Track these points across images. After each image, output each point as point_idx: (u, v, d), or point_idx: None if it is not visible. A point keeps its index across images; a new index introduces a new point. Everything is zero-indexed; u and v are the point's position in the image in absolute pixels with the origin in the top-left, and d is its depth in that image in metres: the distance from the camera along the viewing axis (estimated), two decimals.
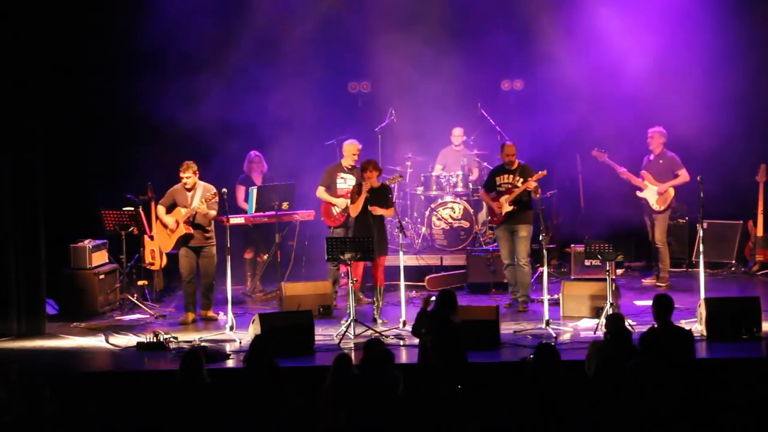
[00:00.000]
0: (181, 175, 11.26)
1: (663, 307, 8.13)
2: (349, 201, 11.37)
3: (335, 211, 11.94)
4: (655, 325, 8.18)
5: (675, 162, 12.57)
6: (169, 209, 11.35)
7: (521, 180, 11.41)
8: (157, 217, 11.80)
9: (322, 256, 10.72)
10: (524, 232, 11.50)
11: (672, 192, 12.55)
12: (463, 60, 14.11)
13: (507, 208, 11.46)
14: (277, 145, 13.46)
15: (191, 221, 11.24)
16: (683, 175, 12.50)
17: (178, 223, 11.23)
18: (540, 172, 11.37)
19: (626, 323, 8.92)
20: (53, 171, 11.62)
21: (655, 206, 12.56)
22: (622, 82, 13.55)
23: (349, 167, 12.02)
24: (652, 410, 7.56)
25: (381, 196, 11.02)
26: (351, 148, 12.05)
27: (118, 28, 13.12)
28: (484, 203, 13.56)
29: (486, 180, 11.99)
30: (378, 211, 10.96)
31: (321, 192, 12.01)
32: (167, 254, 12.25)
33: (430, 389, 7.93)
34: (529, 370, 7.63)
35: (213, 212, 11.22)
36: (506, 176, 11.58)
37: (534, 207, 11.30)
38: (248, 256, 12.87)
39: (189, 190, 11.29)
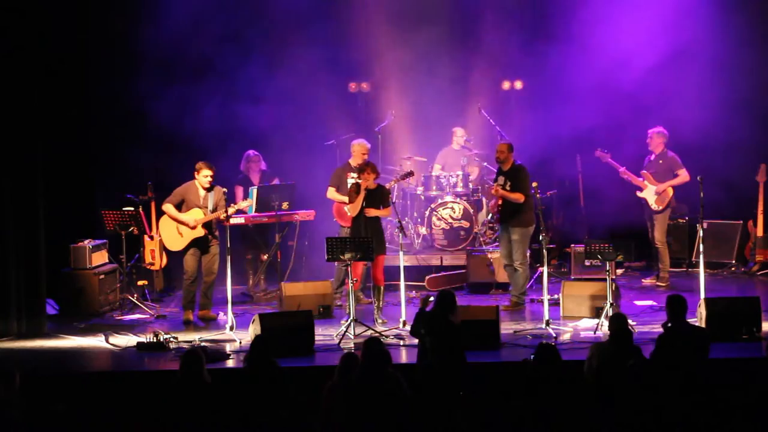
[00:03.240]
0: (205, 172, 11.16)
1: (676, 306, 8.16)
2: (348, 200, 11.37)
3: (348, 210, 11.93)
4: (670, 325, 8.21)
5: (675, 162, 12.58)
6: (176, 208, 11.29)
7: (510, 184, 11.43)
8: (158, 217, 11.81)
9: (323, 256, 10.72)
10: (516, 235, 11.50)
11: (670, 192, 12.56)
12: (463, 60, 14.13)
13: (493, 209, 11.53)
14: (277, 146, 13.47)
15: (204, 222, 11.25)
16: (683, 175, 12.50)
17: (197, 224, 11.21)
18: (496, 186, 11.45)
19: (628, 324, 8.93)
20: (53, 171, 11.62)
21: (654, 206, 12.57)
22: (623, 82, 13.55)
23: (358, 166, 12.03)
24: (652, 410, 7.57)
25: (377, 197, 11.03)
26: (360, 148, 12.05)
27: (120, 30, 13.13)
28: (484, 203, 13.60)
29: (494, 178, 12.05)
30: (372, 212, 10.97)
31: (332, 193, 12.00)
32: (168, 254, 12.23)
33: (430, 390, 7.93)
34: (529, 370, 7.63)
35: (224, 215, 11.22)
36: (501, 178, 11.62)
37: (535, 207, 11.28)
38: (248, 257, 12.87)
39: (208, 190, 11.27)
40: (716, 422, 7.80)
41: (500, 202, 11.55)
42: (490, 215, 13.18)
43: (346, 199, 11.78)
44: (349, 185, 11.89)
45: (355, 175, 11.92)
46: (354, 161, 12.04)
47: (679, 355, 7.86)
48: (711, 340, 9.68)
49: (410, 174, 12.02)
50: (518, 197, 11.37)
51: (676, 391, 7.65)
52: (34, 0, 10.88)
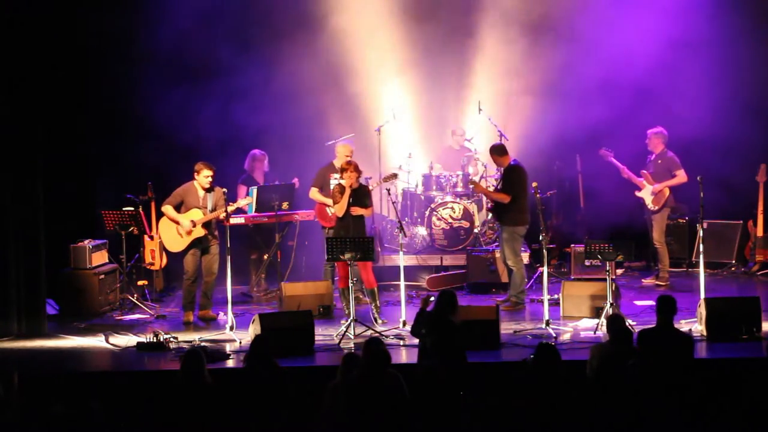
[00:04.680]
0: (205, 173, 11.16)
1: (665, 307, 8.15)
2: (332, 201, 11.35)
3: (330, 211, 11.93)
4: (654, 325, 8.21)
5: (673, 162, 12.58)
6: (175, 209, 11.29)
7: (501, 183, 11.50)
8: (158, 218, 11.80)
9: (323, 256, 10.72)
10: (505, 233, 11.59)
11: (667, 192, 12.55)
12: (464, 59, 14.12)
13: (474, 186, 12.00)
14: (277, 146, 13.47)
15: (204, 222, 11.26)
16: (680, 176, 12.50)
17: (194, 223, 11.20)
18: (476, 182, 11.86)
19: (626, 323, 8.93)
20: (53, 171, 11.62)
21: (651, 206, 12.58)
22: (623, 82, 13.55)
23: (340, 167, 12.06)
24: (652, 410, 7.57)
25: (360, 196, 11.04)
26: (344, 150, 12.07)
27: (121, 30, 13.13)
28: (484, 203, 13.61)
29: None
30: (358, 211, 10.97)
31: (314, 193, 12.00)
32: (168, 254, 12.23)
33: (430, 390, 7.93)
34: (529, 370, 7.63)
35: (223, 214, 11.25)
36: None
37: (535, 207, 11.30)
38: (253, 257, 12.87)
39: (207, 190, 11.27)
40: (716, 422, 7.80)
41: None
42: (490, 215, 13.16)
43: (328, 200, 11.79)
44: (331, 186, 11.90)
45: (337, 175, 11.95)
46: (338, 162, 12.05)
47: (660, 355, 7.84)
48: (711, 340, 9.76)
49: (394, 176, 12.03)
50: (501, 197, 11.45)
51: (658, 390, 7.64)
52: None
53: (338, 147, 12.20)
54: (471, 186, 12.30)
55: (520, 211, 11.48)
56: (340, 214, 10.99)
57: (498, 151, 11.67)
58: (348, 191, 10.92)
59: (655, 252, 12.72)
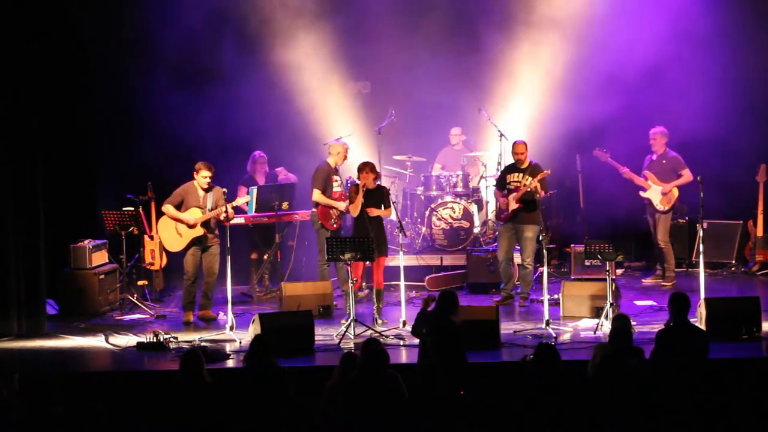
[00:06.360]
0: (204, 173, 11.15)
1: (679, 305, 8.17)
2: (347, 203, 11.34)
3: (334, 214, 11.91)
4: (671, 323, 8.22)
5: (678, 162, 12.57)
6: (175, 209, 11.28)
7: (530, 179, 11.49)
8: (158, 217, 11.81)
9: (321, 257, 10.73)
10: (530, 232, 11.57)
11: (676, 192, 12.55)
12: (464, 59, 14.13)
13: (513, 206, 11.57)
14: (277, 146, 13.47)
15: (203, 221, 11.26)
16: (687, 175, 12.49)
17: (196, 222, 11.21)
18: (544, 172, 11.43)
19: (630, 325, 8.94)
20: (53, 171, 11.62)
21: (659, 206, 12.56)
22: (623, 82, 13.55)
23: (337, 167, 12.06)
24: (652, 410, 7.57)
25: (377, 197, 11.03)
26: (344, 149, 12.06)
27: (122, 30, 13.15)
28: (484, 203, 13.61)
29: (498, 177, 12.10)
30: (375, 212, 10.97)
31: (319, 196, 11.87)
32: (168, 254, 12.23)
33: (430, 390, 7.93)
34: (529, 370, 7.63)
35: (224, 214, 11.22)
36: (516, 174, 11.70)
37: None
38: (253, 257, 12.88)
39: (207, 190, 11.27)
40: (716, 422, 7.79)
41: (515, 207, 11.58)
42: (494, 213, 13.11)
43: (334, 203, 11.77)
44: (334, 188, 11.88)
45: (337, 177, 11.95)
46: (333, 161, 12.02)
47: (679, 353, 7.86)
48: (711, 340, 9.75)
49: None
50: (543, 193, 11.52)
51: (675, 389, 7.65)
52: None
53: (336, 146, 12.14)
54: (531, 188, 11.58)
55: (540, 209, 11.56)
56: (355, 215, 10.99)
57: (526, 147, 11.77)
58: (361, 191, 10.92)
59: (660, 252, 12.70)
